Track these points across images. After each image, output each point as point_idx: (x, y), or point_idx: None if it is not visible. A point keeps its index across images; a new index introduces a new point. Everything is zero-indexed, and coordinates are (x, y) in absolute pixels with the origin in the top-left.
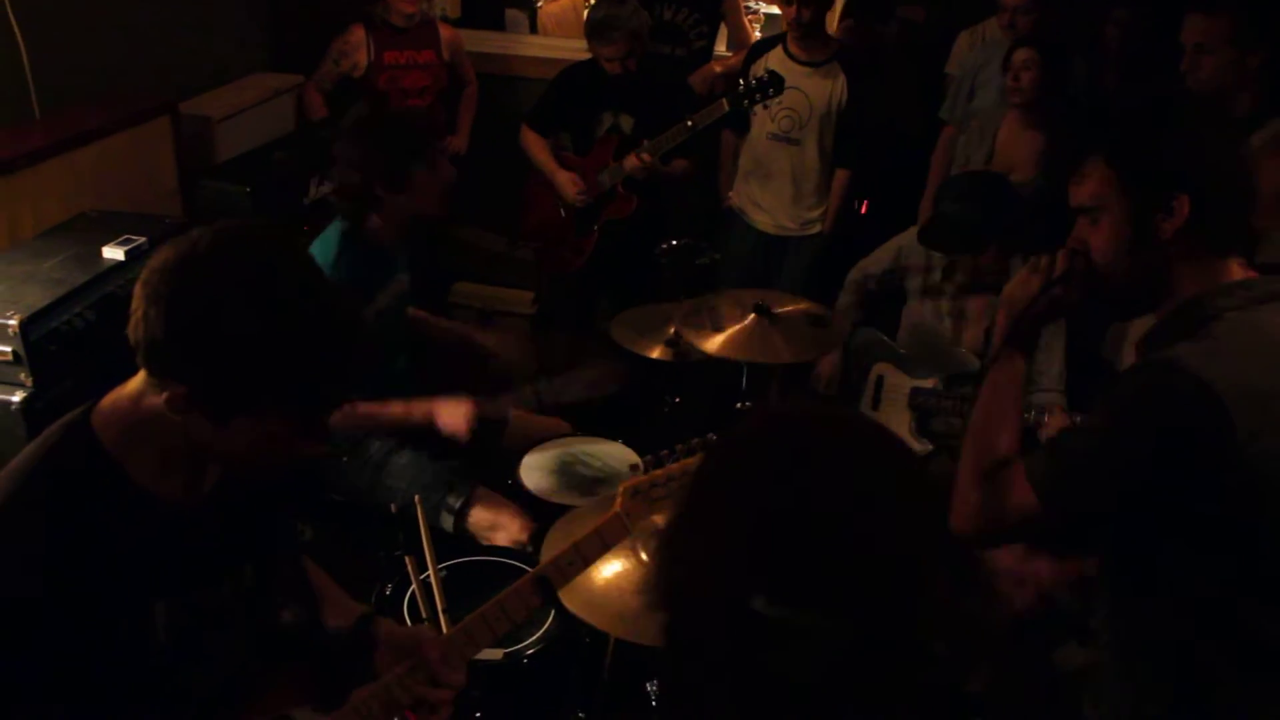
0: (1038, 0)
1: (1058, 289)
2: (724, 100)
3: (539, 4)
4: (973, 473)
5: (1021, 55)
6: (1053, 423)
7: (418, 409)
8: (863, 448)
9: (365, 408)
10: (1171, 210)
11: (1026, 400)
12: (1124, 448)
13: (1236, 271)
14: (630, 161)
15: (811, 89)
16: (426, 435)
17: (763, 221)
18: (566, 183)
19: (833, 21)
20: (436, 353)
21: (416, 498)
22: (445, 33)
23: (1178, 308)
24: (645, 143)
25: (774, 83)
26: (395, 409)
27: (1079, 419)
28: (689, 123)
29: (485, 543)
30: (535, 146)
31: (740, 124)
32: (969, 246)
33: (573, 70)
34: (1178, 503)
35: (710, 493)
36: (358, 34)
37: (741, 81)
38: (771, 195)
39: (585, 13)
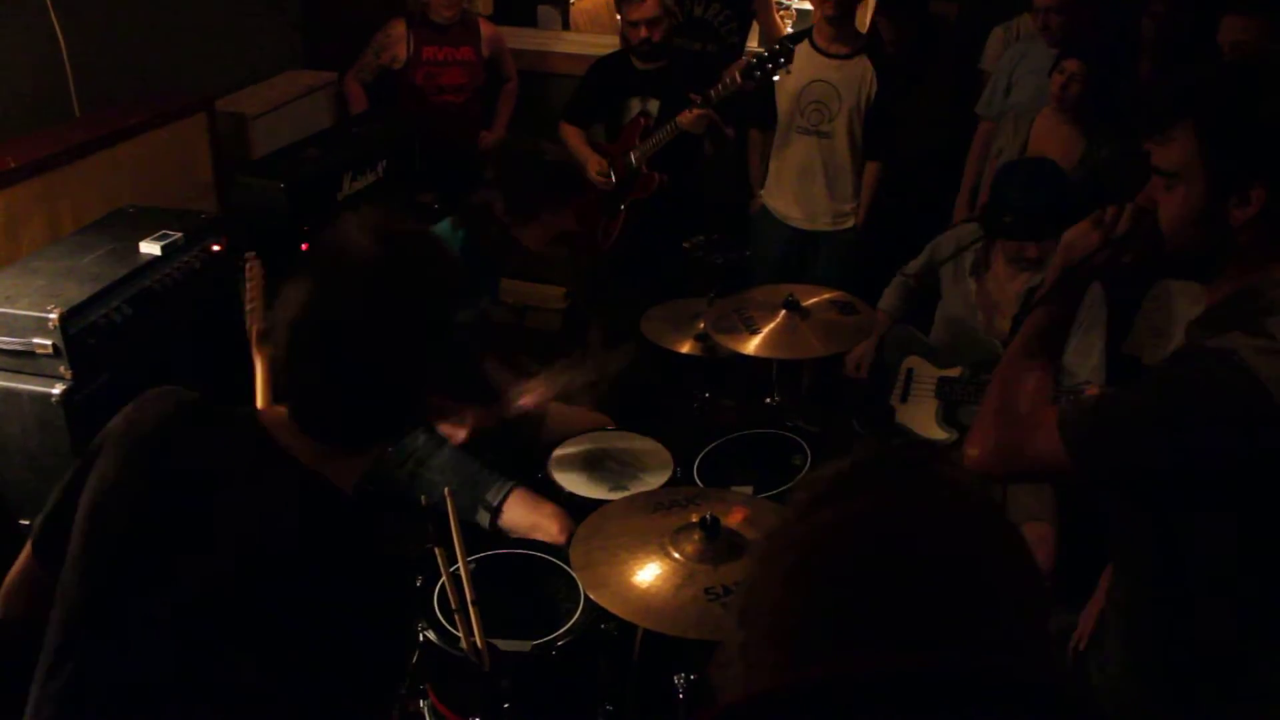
0: (1069, 1)
1: (1117, 247)
2: (737, 73)
3: (571, 1)
4: (995, 410)
5: (1071, 66)
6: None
7: None
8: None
9: None
10: (1248, 199)
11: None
12: (1166, 429)
13: None
14: (685, 116)
15: (840, 81)
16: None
17: (794, 217)
18: (591, 162)
19: (863, 19)
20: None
21: (447, 490)
22: (486, 30)
23: (1233, 294)
24: (694, 97)
25: (784, 51)
26: None
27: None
28: (712, 93)
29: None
30: (571, 137)
31: (767, 119)
32: (1035, 234)
33: (601, 62)
34: (1207, 485)
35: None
36: (399, 28)
37: (753, 58)
38: (803, 190)
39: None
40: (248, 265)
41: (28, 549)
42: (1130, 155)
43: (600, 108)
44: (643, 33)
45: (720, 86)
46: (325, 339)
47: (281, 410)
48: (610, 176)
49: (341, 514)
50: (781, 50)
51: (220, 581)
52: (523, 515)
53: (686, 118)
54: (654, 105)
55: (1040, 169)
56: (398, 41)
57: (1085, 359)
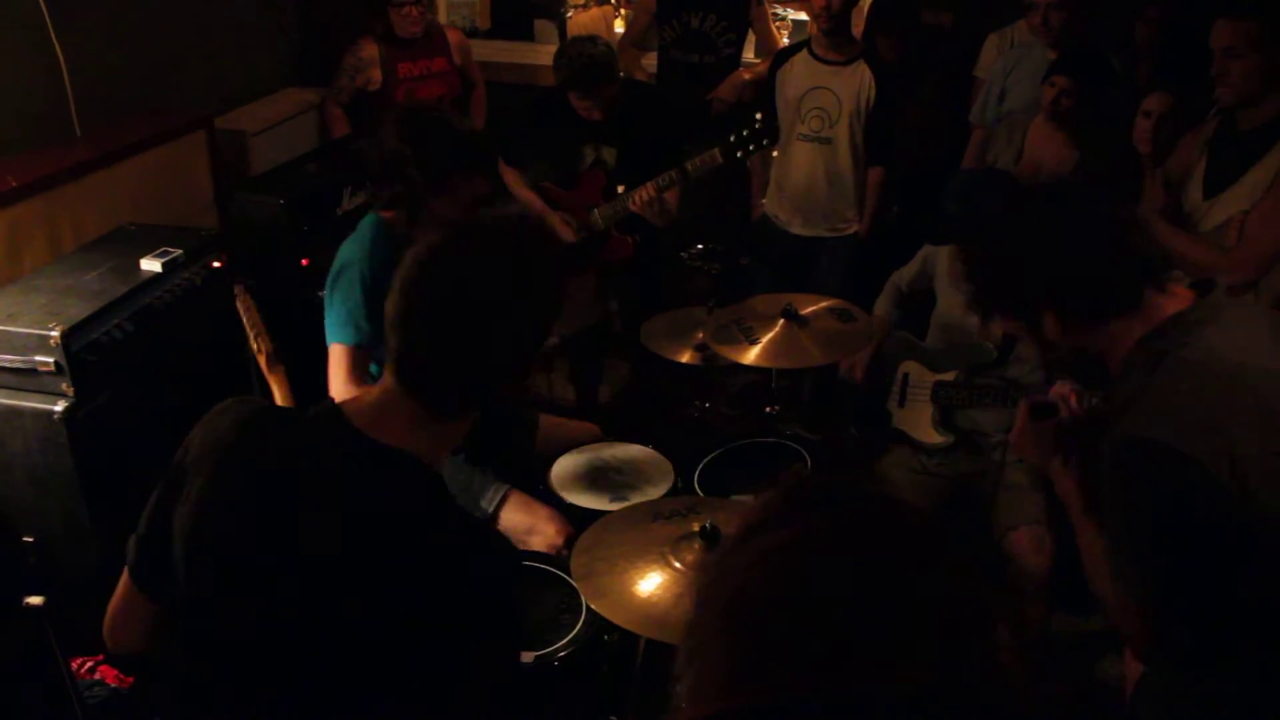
0: None
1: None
2: (716, 151)
3: (568, 14)
4: (1112, 605)
5: (1060, 81)
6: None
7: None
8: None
9: None
10: (1046, 320)
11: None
12: (1150, 531)
13: (1161, 302)
14: (641, 195)
15: (840, 87)
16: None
17: (796, 224)
18: (559, 225)
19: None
20: None
21: None
22: (453, 37)
23: (1124, 361)
24: (654, 182)
25: (768, 131)
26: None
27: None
28: (688, 167)
29: (521, 547)
30: (515, 184)
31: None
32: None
33: (542, 101)
34: (1211, 540)
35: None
36: (369, 49)
37: (732, 136)
38: (805, 197)
39: (615, 23)
40: (238, 297)
41: (127, 580)
42: (1121, 166)
43: (544, 148)
44: (595, 116)
45: (699, 161)
46: (456, 309)
47: (361, 399)
48: (575, 232)
49: (442, 493)
50: (766, 130)
51: (328, 582)
52: (520, 519)
53: (671, 200)
54: (608, 152)
55: (983, 179)
56: (370, 63)
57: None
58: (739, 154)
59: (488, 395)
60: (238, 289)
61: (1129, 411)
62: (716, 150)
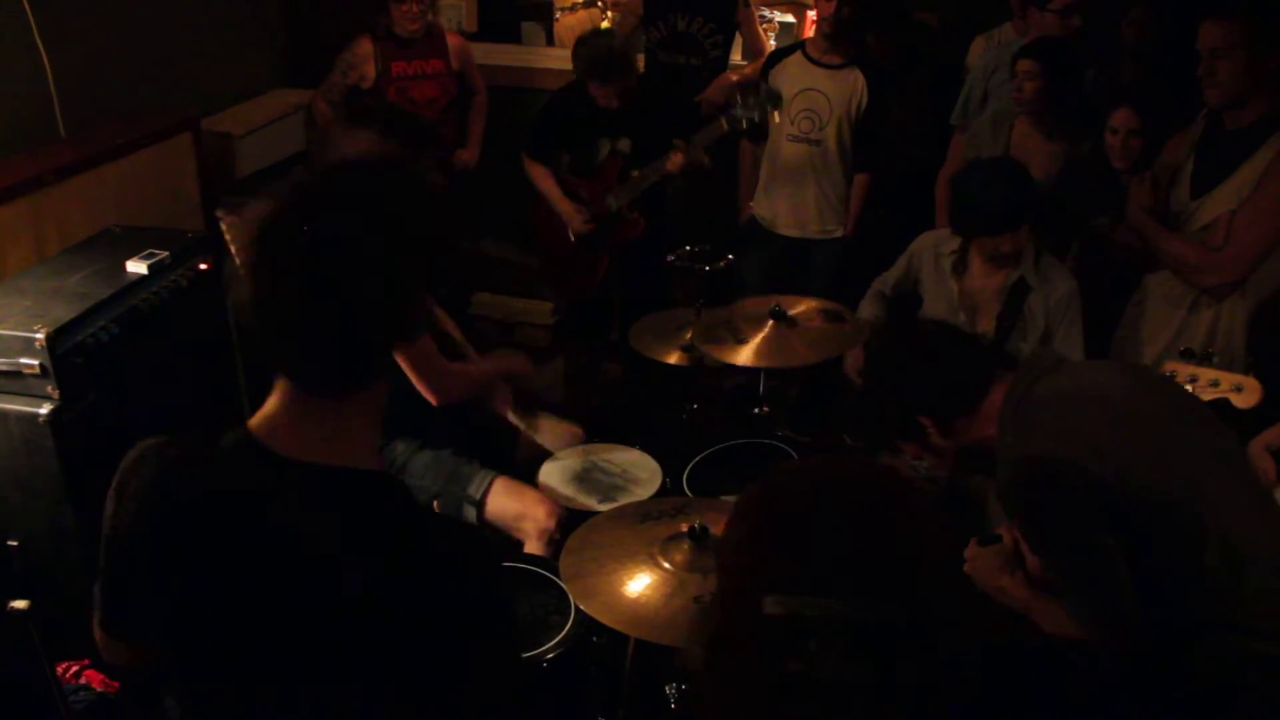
0: None
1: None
2: (722, 120)
3: (556, 17)
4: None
5: (1023, 65)
6: None
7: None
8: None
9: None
10: (927, 428)
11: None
12: (1067, 531)
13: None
14: (673, 162)
15: (831, 90)
16: (448, 436)
17: (785, 225)
18: (572, 214)
19: None
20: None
21: (435, 503)
22: (453, 41)
23: (1000, 426)
24: (678, 142)
25: (771, 98)
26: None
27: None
28: (696, 138)
29: (513, 534)
30: (539, 177)
31: (759, 132)
32: (1005, 227)
33: (560, 97)
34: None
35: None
36: (365, 46)
37: (739, 98)
38: (794, 197)
39: (602, 25)
40: (222, 220)
41: (101, 633)
42: (1106, 165)
43: (565, 141)
44: (614, 104)
45: (704, 132)
46: (319, 257)
47: (269, 414)
48: (594, 225)
49: (385, 492)
50: (768, 95)
51: (284, 620)
52: (507, 504)
53: (674, 164)
54: (624, 143)
55: (999, 165)
56: (365, 60)
57: (1071, 355)
58: (744, 124)
59: (379, 360)
60: (220, 213)
61: (1013, 451)
62: (721, 119)
